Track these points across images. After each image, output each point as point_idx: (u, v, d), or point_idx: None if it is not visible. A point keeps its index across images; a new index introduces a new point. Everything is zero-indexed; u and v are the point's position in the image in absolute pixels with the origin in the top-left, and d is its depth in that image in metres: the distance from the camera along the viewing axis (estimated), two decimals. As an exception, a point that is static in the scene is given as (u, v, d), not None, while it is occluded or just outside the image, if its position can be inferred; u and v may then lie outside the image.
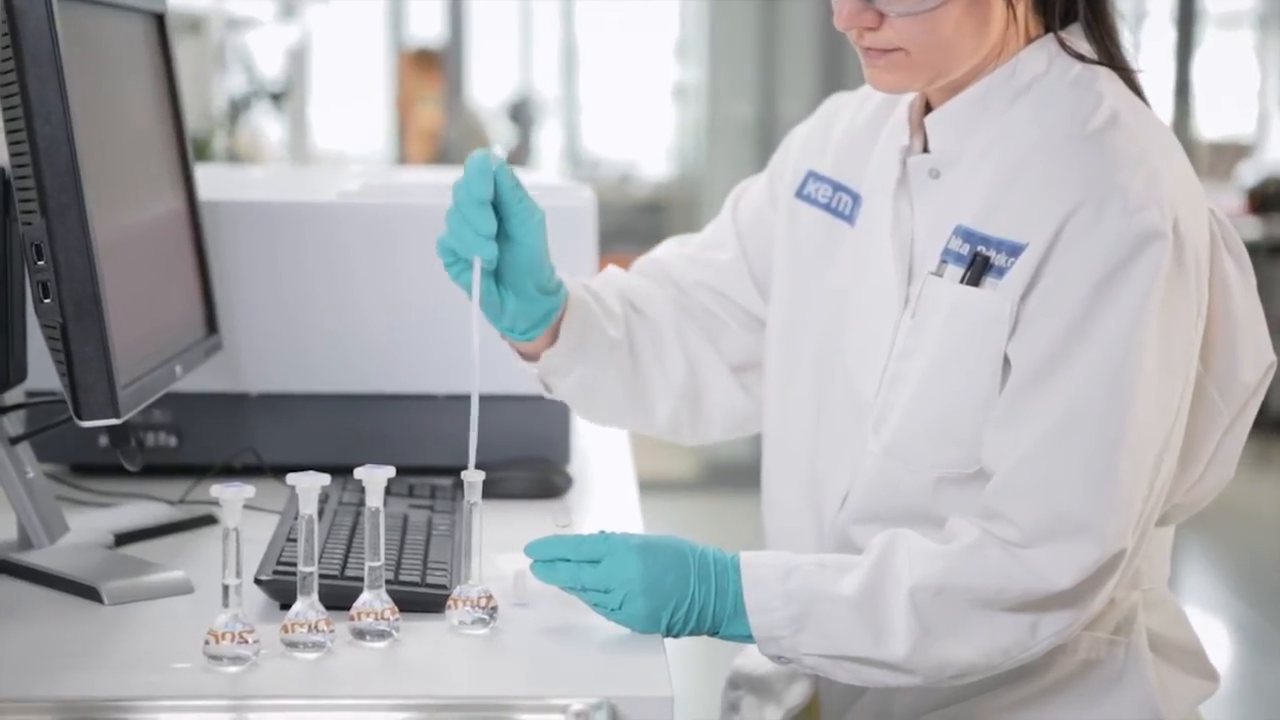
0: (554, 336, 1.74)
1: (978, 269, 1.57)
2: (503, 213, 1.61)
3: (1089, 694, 1.63)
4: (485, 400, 2.06)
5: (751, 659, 1.84)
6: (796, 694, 1.77)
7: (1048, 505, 1.50)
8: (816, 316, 1.74)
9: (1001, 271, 1.55)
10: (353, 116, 8.42)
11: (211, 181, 2.18)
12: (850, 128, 1.78)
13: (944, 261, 1.60)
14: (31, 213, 1.55)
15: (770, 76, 6.70)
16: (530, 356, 1.77)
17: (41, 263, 1.55)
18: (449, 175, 2.45)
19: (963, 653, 1.52)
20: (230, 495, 1.42)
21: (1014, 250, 1.55)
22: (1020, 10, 1.61)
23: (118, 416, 1.58)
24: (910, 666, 1.52)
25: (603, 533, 1.56)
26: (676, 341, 1.85)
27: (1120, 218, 1.51)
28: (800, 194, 1.78)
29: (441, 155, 6.96)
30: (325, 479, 1.46)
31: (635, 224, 8.30)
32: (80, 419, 1.58)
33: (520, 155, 8.42)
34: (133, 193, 1.79)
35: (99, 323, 1.56)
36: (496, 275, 1.65)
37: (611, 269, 1.90)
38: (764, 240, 1.85)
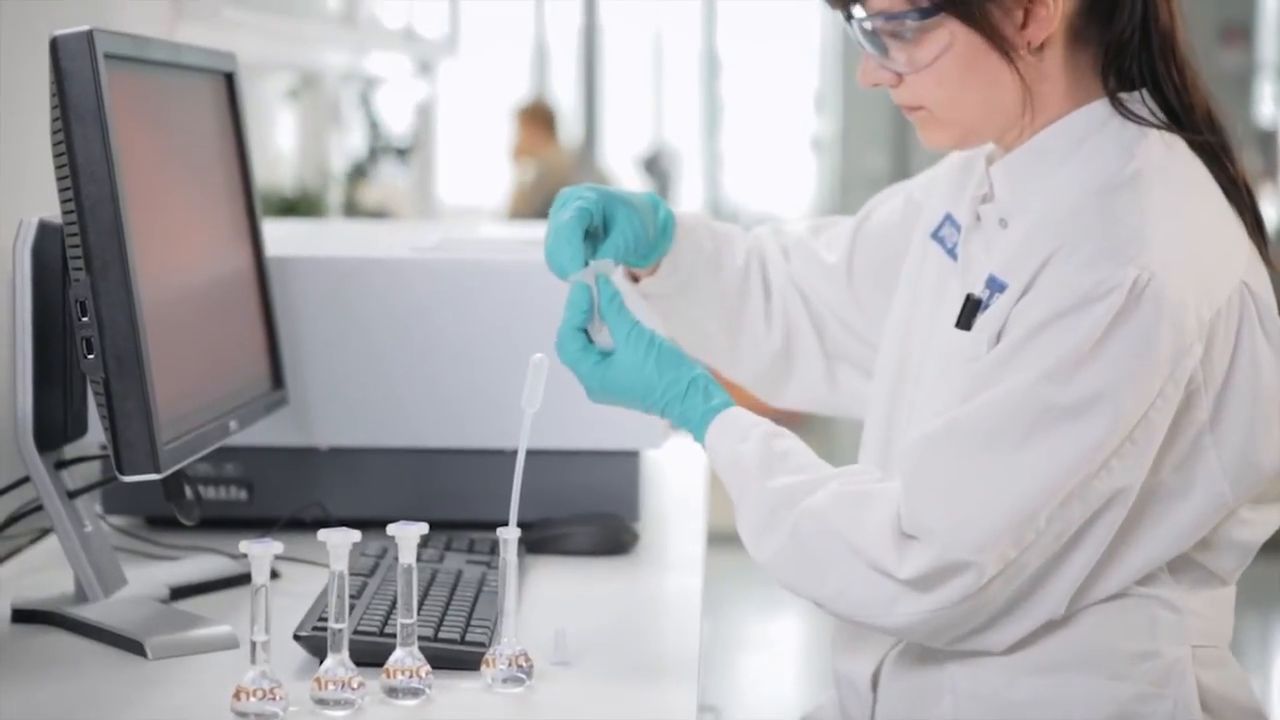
0: (656, 269, 1.85)
1: (968, 312, 1.60)
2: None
3: None
4: (554, 455, 2.07)
5: (824, 714, 1.82)
6: None
7: (910, 498, 1.54)
8: (915, 357, 1.75)
9: (986, 309, 1.59)
10: (486, 171, 8.50)
11: (288, 237, 2.20)
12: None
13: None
14: (79, 269, 1.58)
15: (903, 128, 6.67)
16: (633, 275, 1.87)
17: (85, 319, 1.57)
18: (534, 231, 2.46)
19: (821, 586, 1.57)
20: (258, 551, 1.42)
21: (1001, 289, 1.57)
22: (1054, 68, 1.61)
23: (158, 472, 1.59)
24: (770, 569, 1.60)
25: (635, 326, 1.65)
26: (783, 315, 1.91)
27: (1078, 268, 1.52)
28: (935, 235, 1.79)
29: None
30: (356, 535, 1.46)
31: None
32: (122, 474, 1.59)
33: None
34: (188, 250, 1.81)
35: (140, 379, 1.58)
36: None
37: (762, 231, 1.97)
38: (877, 255, 1.88)
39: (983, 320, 1.58)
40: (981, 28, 1.57)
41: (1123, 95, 1.62)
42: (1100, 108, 1.62)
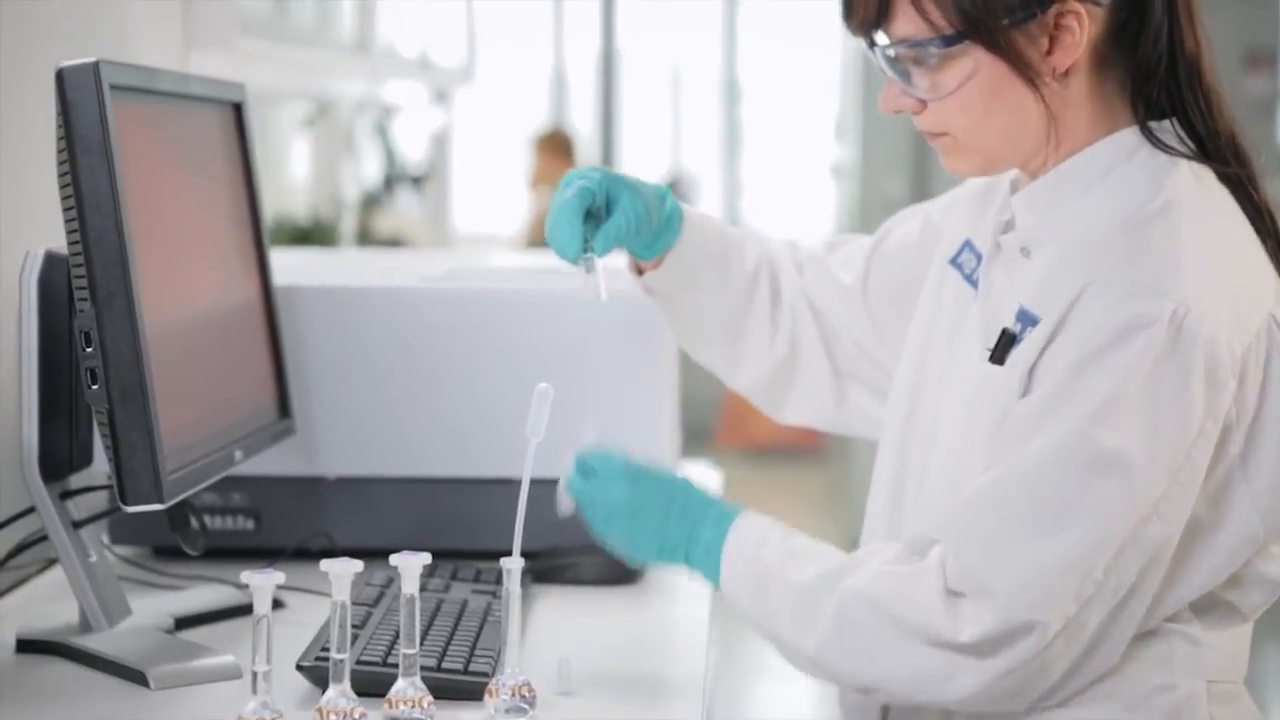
0: (660, 263, 1.84)
1: (1002, 346, 1.57)
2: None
3: None
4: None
5: None
6: None
7: (962, 557, 1.51)
8: (931, 382, 1.74)
9: (1019, 343, 1.57)
10: (503, 200, 8.52)
11: (297, 266, 2.20)
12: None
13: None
14: (84, 300, 1.58)
15: (923, 154, 6.66)
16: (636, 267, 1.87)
17: (90, 349, 1.58)
18: (543, 260, 2.46)
19: (873, 668, 1.54)
20: (259, 581, 1.42)
21: (1034, 323, 1.55)
22: (1079, 95, 1.59)
23: (162, 502, 1.59)
24: (819, 662, 1.56)
25: (606, 454, 1.66)
26: (791, 325, 1.90)
27: (1113, 303, 1.50)
28: (953, 261, 1.78)
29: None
30: (358, 565, 1.46)
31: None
32: (126, 504, 1.59)
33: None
34: (194, 280, 1.81)
35: (144, 410, 1.58)
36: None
37: (777, 243, 1.95)
38: (893, 277, 1.87)
39: (1015, 355, 1.55)
40: (1006, 55, 1.55)
41: (1153, 124, 1.60)
42: (1128, 136, 1.60)
